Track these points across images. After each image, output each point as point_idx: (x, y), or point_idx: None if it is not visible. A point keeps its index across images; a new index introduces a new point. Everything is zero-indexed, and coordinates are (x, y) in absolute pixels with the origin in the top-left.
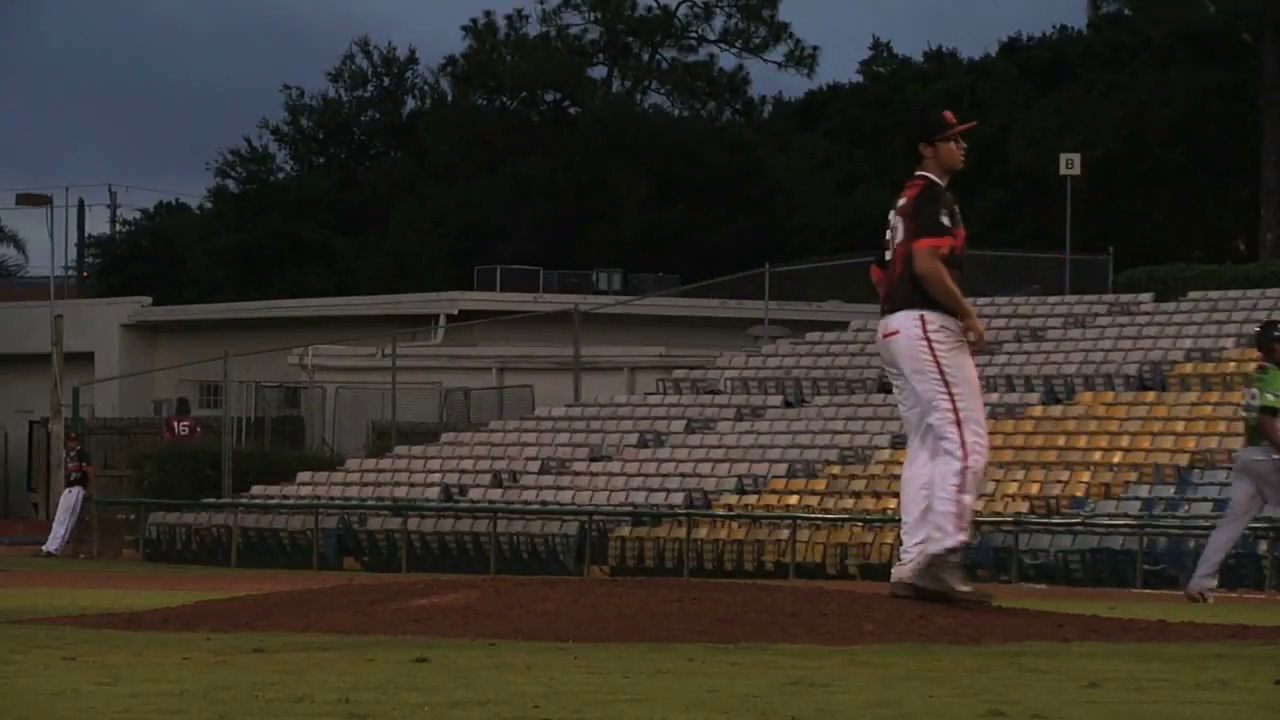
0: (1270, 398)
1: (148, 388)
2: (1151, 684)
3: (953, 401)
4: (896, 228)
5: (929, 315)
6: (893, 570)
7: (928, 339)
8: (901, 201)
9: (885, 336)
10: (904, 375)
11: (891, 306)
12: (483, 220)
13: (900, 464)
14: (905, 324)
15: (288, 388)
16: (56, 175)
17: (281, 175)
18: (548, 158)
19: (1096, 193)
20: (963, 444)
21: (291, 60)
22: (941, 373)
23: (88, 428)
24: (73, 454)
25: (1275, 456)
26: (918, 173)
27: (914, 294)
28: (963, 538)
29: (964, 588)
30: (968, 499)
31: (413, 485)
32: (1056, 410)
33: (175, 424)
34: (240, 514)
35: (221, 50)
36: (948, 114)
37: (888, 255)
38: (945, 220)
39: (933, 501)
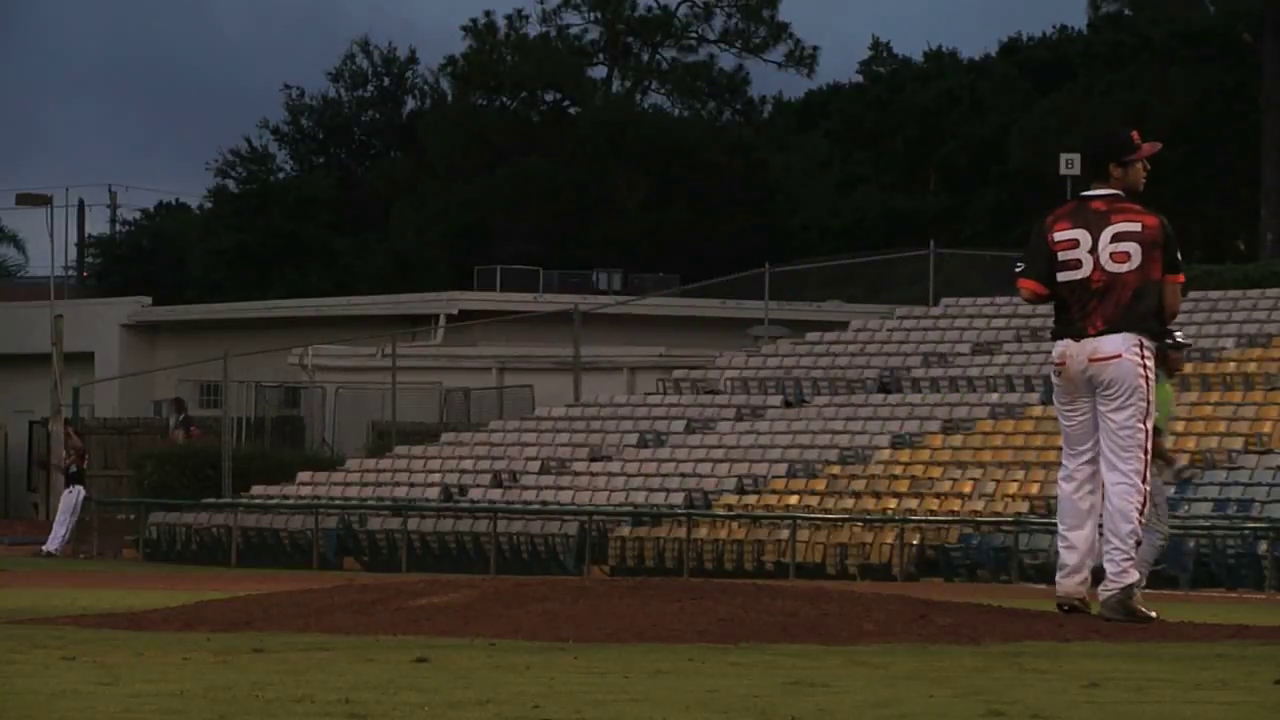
0: None
1: (148, 388)
2: (1151, 684)
3: (1146, 431)
4: (1101, 248)
5: (1148, 344)
6: (1062, 581)
7: (1145, 366)
8: (1120, 224)
9: (1101, 360)
10: (1104, 398)
11: (1110, 330)
12: (483, 220)
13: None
14: (1126, 349)
15: (288, 388)
16: (56, 175)
17: (281, 175)
18: (548, 158)
19: None
20: (1144, 473)
21: (292, 60)
22: (1148, 402)
23: (87, 427)
24: (72, 453)
25: None
26: (1109, 191)
27: (1145, 322)
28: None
29: (1148, 612)
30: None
31: (413, 485)
32: None
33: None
34: (240, 514)
35: (222, 50)
36: (1135, 134)
37: (1072, 275)
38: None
39: (1117, 526)
